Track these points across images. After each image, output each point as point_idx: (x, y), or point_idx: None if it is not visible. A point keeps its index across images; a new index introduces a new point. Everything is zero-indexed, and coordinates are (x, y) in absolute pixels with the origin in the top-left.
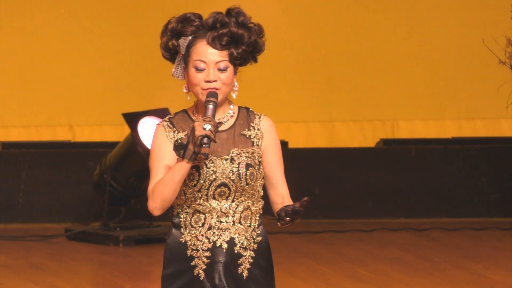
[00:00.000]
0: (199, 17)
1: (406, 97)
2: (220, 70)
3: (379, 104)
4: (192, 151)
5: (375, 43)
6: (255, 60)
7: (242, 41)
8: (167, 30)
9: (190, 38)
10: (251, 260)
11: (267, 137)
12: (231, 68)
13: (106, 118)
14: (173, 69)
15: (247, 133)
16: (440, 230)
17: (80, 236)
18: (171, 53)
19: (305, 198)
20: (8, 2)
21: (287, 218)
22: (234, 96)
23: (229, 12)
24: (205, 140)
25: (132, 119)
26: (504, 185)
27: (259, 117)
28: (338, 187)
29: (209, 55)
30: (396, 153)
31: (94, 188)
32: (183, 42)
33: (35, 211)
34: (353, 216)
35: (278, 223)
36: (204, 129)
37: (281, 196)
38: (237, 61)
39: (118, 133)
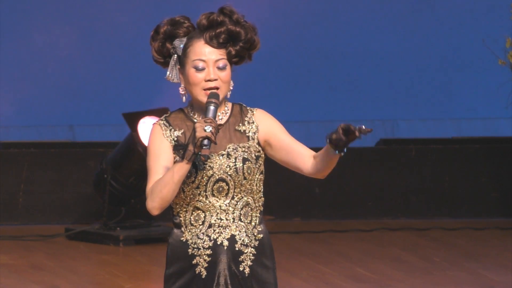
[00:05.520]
0: (188, 19)
1: (406, 97)
2: (219, 68)
3: (379, 104)
4: (192, 152)
5: (375, 43)
6: (250, 58)
7: (239, 39)
8: (160, 33)
9: (185, 39)
10: (253, 257)
11: (264, 123)
12: (229, 67)
13: (106, 118)
14: (168, 72)
15: (242, 128)
16: (440, 230)
17: (80, 236)
18: (164, 57)
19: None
20: (8, 2)
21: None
22: (228, 95)
23: (222, 10)
24: (206, 141)
25: (132, 119)
26: (504, 185)
27: (252, 112)
28: (338, 187)
29: (208, 54)
30: (396, 153)
31: (94, 188)
32: (179, 43)
33: (35, 211)
34: (353, 216)
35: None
36: (205, 130)
37: (311, 155)
38: (235, 59)
39: (118, 133)
